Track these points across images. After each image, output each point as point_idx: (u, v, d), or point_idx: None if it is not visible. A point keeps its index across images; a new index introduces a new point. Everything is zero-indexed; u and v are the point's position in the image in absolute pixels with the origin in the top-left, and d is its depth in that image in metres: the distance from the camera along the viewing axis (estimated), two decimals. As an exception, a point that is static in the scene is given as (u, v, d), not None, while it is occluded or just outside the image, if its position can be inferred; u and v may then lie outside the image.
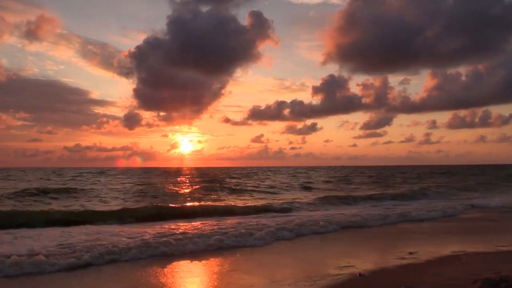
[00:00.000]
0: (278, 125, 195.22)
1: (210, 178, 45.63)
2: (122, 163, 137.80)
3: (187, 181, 40.48)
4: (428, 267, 7.45)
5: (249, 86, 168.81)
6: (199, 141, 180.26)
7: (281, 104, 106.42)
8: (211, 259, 8.44)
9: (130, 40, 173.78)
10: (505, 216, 15.92)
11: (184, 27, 59.14)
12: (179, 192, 27.24)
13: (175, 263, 8.10)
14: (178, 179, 46.45)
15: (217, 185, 32.29)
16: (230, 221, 13.29)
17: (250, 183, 37.87)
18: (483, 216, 15.88)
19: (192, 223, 12.86)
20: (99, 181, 39.87)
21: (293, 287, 6.31)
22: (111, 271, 7.46)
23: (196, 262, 8.20)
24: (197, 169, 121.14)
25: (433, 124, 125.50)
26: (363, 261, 8.03)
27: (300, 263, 8.24)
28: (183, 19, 59.90)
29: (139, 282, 6.71)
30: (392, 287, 6.15)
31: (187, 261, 8.31)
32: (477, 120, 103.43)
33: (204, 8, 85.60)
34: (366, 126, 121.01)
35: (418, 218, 15.00)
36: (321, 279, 6.70)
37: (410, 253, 8.72)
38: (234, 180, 42.75)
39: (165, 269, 7.58)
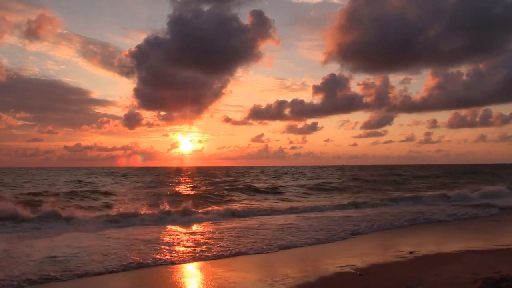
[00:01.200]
0: (279, 125, 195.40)
1: (237, 180, 43.85)
2: (122, 163, 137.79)
3: (222, 181, 40.00)
4: (429, 266, 7.38)
5: (249, 85, 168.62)
6: (200, 141, 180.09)
7: (281, 104, 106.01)
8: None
9: (131, 40, 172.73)
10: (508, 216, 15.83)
11: (185, 26, 58.93)
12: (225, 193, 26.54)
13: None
14: (209, 179, 45.33)
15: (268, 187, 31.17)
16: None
17: (284, 183, 37.08)
18: (485, 215, 15.78)
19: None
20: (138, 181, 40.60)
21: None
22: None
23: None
24: (204, 168, 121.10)
25: (434, 124, 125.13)
26: (363, 260, 7.98)
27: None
28: (184, 18, 59.86)
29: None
30: (392, 286, 6.09)
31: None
32: (477, 119, 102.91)
33: (205, 7, 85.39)
34: (366, 125, 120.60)
35: None
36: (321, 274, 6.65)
37: (411, 252, 8.66)
38: (262, 180, 42.73)
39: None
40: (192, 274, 7.40)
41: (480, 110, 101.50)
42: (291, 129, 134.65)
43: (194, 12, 60.55)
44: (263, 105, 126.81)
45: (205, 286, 6.53)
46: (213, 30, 57.05)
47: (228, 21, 59.61)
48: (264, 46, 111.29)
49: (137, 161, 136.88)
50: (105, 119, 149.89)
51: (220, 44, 59.67)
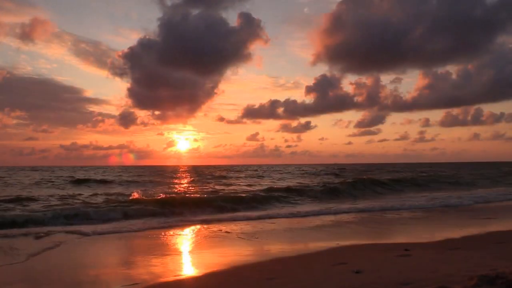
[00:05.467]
0: (273, 124, 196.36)
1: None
2: (120, 161, 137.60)
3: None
4: (425, 263, 7.35)
5: (243, 84, 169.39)
6: (195, 139, 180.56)
7: (274, 103, 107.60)
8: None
9: (122, 39, 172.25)
10: (503, 212, 15.87)
11: (175, 29, 60.12)
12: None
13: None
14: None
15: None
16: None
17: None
18: (481, 212, 15.82)
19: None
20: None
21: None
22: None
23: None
24: (209, 166, 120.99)
25: (426, 122, 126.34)
26: (360, 256, 7.95)
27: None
28: (173, 22, 60.92)
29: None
30: (388, 284, 6.05)
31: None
32: (469, 118, 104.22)
33: (195, 10, 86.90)
34: (360, 124, 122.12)
35: None
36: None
37: (406, 249, 8.63)
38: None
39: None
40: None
41: (472, 109, 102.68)
42: (285, 128, 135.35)
43: (183, 15, 61.52)
44: (257, 104, 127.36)
45: None
46: (203, 32, 58.15)
47: (216, 24, 60.65)
48: (254, 46, 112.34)
49: (135, 160, 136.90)
50: (100, 118, 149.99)
51: (210, 46, 60.89)
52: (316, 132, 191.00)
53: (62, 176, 47.67)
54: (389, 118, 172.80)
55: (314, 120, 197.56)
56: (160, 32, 65.01)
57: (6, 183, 35.81)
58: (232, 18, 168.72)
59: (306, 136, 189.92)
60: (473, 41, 61.79)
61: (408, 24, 59.66)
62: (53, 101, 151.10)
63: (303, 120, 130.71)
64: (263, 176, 49.76)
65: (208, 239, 11.44)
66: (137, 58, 66.77)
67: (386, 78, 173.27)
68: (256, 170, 75.18)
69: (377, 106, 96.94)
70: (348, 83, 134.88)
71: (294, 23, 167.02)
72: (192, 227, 13.69)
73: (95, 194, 24.43)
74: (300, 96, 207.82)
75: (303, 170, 74.10)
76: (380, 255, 8.24)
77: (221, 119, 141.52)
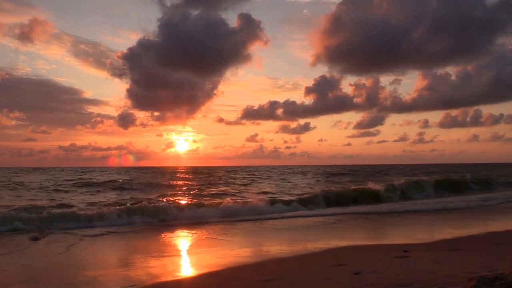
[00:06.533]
0: (272, 125, 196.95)
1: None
2: (119, 162, 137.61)
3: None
4: (424, 265, 7.33)
5: (242, 85, 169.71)
6: (194, 141, 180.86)
7: (274, 104, 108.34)
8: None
9: (122, 40, 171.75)
10: (504, 213, 15.84)
11: (175, 30, 59.99)
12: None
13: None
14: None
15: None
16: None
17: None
18: (480, 213, 15.79)
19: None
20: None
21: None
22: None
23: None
24: (209, 167, 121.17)
25: (426, 124, 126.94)
26: (359, 257, 7.92)
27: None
28: (173, 22, 60.79)
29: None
30: (387, 285, 6.03)
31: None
32: (468, 119, 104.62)
33: (194, 11, 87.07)
34: (359, 125, 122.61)
35: None
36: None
37: (405, 251, 8.61)
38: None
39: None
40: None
41: (471, 110, 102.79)
42: (285, 129, 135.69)
43: (183, 16, 61.43)
44: (256, 105, 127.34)
45: None
46: (203, 33, 58.19)
47: (217, 24, 60.60)
48: (254, 47, 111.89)
49: (134, 161, 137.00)
50: (99, 119, 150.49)
51: (209, 47, 60.78)
52: (315, 133, 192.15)
53: (64, 178, 47.67)
54: (388, 119, 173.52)
55: (313, 121, 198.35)
56: (159, 32, 65.07)
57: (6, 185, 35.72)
58: (231, 19, 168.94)
59: (305, 137, 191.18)
60: (473, 42, 62.09)
61: (408, 25, 59.82)
62: (52, 102, 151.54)
63: (302, 121, 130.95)
64: (283, 178, 48.98)
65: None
66: (137, 59, 66.83)
67: (385, 79, 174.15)
68: (261, 171, 75.11)
69: (377, 107, 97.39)
70: (348, 84, 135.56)
71: (294, 24, 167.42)
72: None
73: (98, 197, 24.49)
74: (299, 97, 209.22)
75: (305, 171, 74.05)
76: (379, 256, 8.22)
77: (220, 120, 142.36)
